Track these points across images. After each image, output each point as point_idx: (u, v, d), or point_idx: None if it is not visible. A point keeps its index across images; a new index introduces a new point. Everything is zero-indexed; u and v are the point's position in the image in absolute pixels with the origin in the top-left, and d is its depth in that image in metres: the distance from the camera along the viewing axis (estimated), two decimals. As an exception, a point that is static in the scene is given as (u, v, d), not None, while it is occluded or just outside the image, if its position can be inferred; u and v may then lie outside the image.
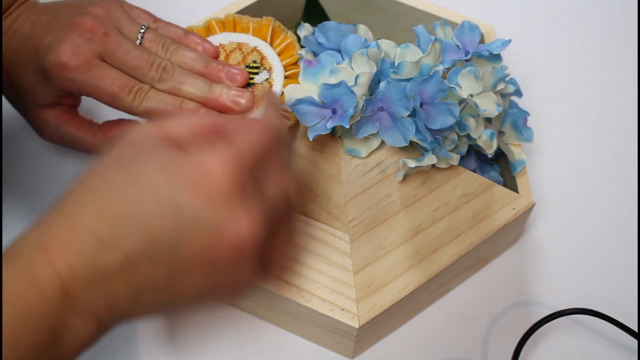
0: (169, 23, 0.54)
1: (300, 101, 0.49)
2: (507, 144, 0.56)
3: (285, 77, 0.55)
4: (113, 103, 0.50)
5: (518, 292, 0.58)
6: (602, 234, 0.62)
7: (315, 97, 0.50)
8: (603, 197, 0.64)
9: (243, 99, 0.52)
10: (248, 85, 0.54)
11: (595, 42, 0.75)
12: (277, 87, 0.54)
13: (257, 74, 0.54)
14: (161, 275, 0.38)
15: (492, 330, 0.56)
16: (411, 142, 0.50)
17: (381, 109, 0.50)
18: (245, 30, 0.56)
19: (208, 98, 0.51)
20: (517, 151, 0.56)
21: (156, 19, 0.54)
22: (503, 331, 0.56)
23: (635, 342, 0.55)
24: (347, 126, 0.48)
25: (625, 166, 0.66)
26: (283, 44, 0.56)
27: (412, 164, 0.50)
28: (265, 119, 0.42)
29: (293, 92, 0.51)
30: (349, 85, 0.48)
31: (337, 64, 0.51)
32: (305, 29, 0.56)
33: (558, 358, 0.55)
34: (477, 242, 0.52)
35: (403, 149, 0.52)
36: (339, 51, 0.54)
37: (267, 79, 0.54)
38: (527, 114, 0.56)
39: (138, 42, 0.51)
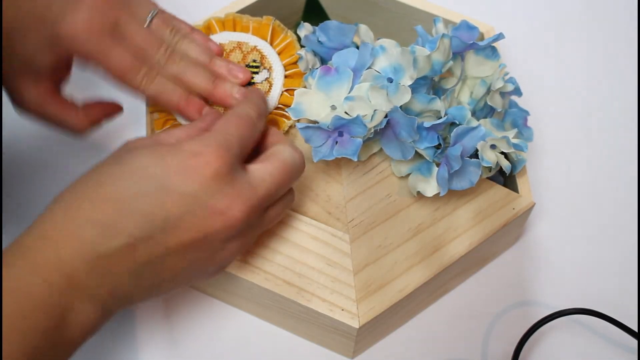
0: (174, 16, 0.54)
1: (308, 127, 0.48)
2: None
3: (285, 76, 0.55)
4: (121, 79, 0.50)
5: (518, 292, 0.58)
6: (602, 234, 0.61)
7: (325, 106, 0.49)
8: (603, 197, 0.64)
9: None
10: (248, 84, 0.54)
11: (596, 41, 0.74)
12: (276, 86, 0.54)
13: (257, 73, 0.54)
14: (160, 256, 0.40)
15: (492, 330, 0.56)
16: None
17: (387, 125, 0.50)
18: (245, 30, 0.56)
19: (212, 92, 0.51)
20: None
21: (163, 10, 0.54)
22: (503, 331, 0.56)
23: (635, 342, 0.55)
24: (355, 159, 0.48)
25: (625, 166, 0.65)
26: (283, 44, 0.56)
27: (428, 191, 0.50)
28: (241, 109, 0.46)
29: (302, 97, 0.50)
30: (363, 118, 0.47)
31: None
32: (305, 29, 0.55)
33: (558, 358, 0.55)
34: (477, 242, 0.52)
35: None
36: (341, 49, 0.53)
37: (267, 79, 0.54)
38: (527, 113, 0.56)
39: (146, 24, 0.51)
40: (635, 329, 0.55)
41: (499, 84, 0.51)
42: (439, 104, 0.50)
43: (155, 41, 0.50)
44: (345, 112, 0.48)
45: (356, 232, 0.51)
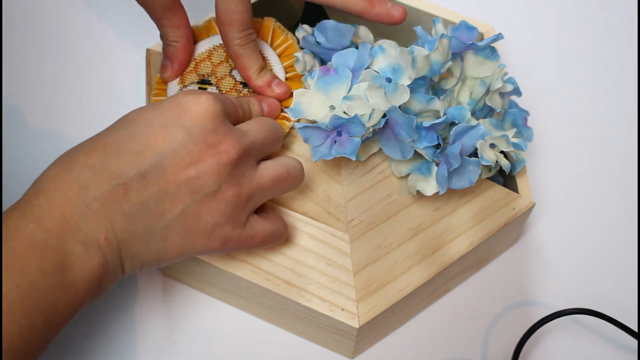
0: None
1: (306, 126, 0.48)
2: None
3: (286, 78, 0.55)
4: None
5: (518, 292, 0.58)
6: (602, 234, 0.62)
7: (324, 106, 0.49)
8: (603, 197, 0.64)
9: (283, 87, 0.53)
10: (246, 86, 0.54)
11: (595, 41, 0.75)
12: None
13: None
14: (152, 196, 0.40)
15: (492, 330, 0.56)
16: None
17: (386, 125, 0.50)
18: None
19: (255, 80, 0.52)
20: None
21: None
22: (503, 331, 0.56)
23: (635, 342, 0.55)
24: (354, 159, 0.48)
25: (625, 165, 0.66)
26: (283, 45, 0.56)
27: (428, 191, 0.50)
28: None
29: (301, 97, 0.50)
30: (362, 118, 0.47)
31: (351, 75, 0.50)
32: (303, 30, 0.55)
33: (558, 358, 0.55)
34: (477, 242, 0.52)
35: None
36: (341, 49, 0.53)
37: None
38: (526, 113, 0.56)
39: None
40: (635, 329, 0.55)
41: (498, 84, 0.51)
42: (438, 104, 0.50)
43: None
44: (344, 112, 0.48)
45: (356, 232, 0.51)
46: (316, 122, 0.48)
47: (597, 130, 0.68)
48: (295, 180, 0.47)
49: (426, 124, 0.48)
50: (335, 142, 0.48)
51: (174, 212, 0.41)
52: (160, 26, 0.52)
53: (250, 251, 0.50)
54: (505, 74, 0.53)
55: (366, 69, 0.49)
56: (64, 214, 0.38)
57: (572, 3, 0.77)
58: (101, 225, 0.39)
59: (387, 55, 0.50)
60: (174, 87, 0.55)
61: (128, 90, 0.67)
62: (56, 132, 0.64)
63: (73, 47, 0.70)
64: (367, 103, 0.48)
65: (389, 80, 0.49)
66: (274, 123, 0.48)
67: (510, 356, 0.53)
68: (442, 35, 0.49)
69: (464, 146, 0.48)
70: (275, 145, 0.48)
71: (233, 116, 0.46)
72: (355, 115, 0.46)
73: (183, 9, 0.52)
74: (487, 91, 0.52)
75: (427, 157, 0.50)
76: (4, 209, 0.59)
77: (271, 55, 0.55)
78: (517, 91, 0.54)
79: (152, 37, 0.59)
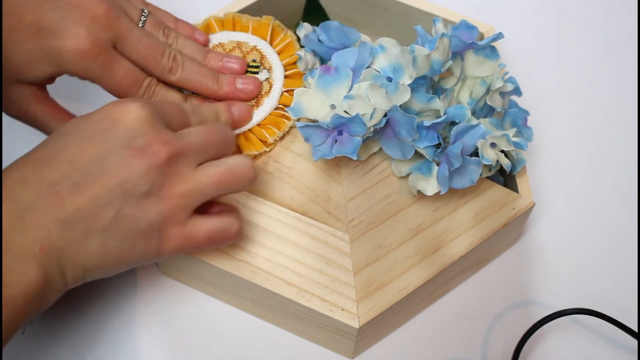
0: (158, 8, 0.53)
1: (307, 125, 0.47)
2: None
3: (286, 76, 0.54)
4: (122, 96, 0.50)
5: (518, 292, 0.58)
6: (602, 234, 0.61)
7: (325, 106, 0.49)
8: (603, 197, 0.64)
9: (250, 85, 0.53)
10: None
11: (596, 41, 0.75)
12: (277, 86, 0.54)
13: (257, 73, 0.54)
14: (85, 202, 0.40)
15: (492, 330, 0.56)
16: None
17: (386, 124, 0.50)
18: (244, 29, 0.56)
19: (218, 93, 0.52)
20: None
21: (146, 3, 0.53)
22: (503, 331, 0.56)
23: (635, 342, 0.55)
24: (355, 158, 0.48)
25: (625, 165, 0.66)
26: (283, 43, 0.56)
27: (429, 190, 0.50)
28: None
29: (302, 96, 0.50)
30: (363, 117, 0.47)
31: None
32: (304, 28, 0.55)
33: (558, 358, 0.55)
34: (477, 242, 0.52)
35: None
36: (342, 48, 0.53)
37: (267, 79, 0.54)
38: (526, 113, 0.56)
39: (140, 26, 0.50)
40: (635, 329, 0.55)
41: (498, 84, 0.51)
42: (438, 103, 0.49)
43: (158, 48, 0.50)
44: (345, 111, 0.48)
45: (356, 232, 0.50)
46: (317, 121, 0.48)
47: (597, 129, 0.68)
48: (242, 179, 0.45)
49: (427, 123, 0.48)
50: (336, 141, 0.48)
51: (108, 217, 0.41)
52: (47, 129, 0.51)
53: (247, 250, 0.50)
54: (506, 73, 0.53)
55: (367, 68, 0.49)
56: None
57: (572, 2, 0.77)
58: (36, 236, 0.39)
59: (388, 54, 0.50)
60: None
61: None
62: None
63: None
64: (368, 102, 0.48)
65: (389, 79, 0.49)
66: (220, 127, 0.47)
67: (510, 356, 0.53)
68: (443, 35, 0.49)
69: (464, 145, 0.48)
70: (224, 149, 0.46)
71: (176, 122, 0.45)
72: (357, 115, 0.46)
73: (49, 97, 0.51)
74: (488, 91, 0.52)
75: (427, 157, 0.50)
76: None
77: (270, 53, 0.55)
78: (517, 91, 0.54)
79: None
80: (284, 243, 0.50)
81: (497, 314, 0.57)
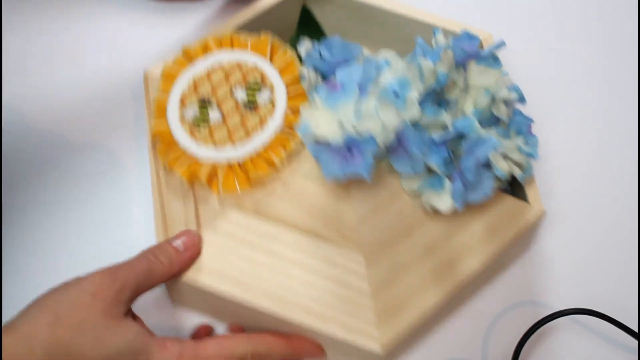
0: None
1: (318, 146, 0.47)
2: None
3: (288, 95, 0.54)
4: None
5: (518, 292, 0.58)
6: (602, 234, 0.62)
7: (332, 123, 0.48)
8: (603, 198, 0.64)
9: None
10: (250, 104, 0.53)
11: (597, 46, 0.74)
12: (280, 106, 0.53)
13: (258, 92, 0.54)
14: None
15: (492, 330, 0.56)
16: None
17: (396, 140, 0.49)
18: (243, 47, 0.56)
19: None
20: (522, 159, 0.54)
21: None
22: (503, 331, 0.56)
23: (635, 342, 0.56)
24: (369, 179, 0.47)
25: (624, 167, 0.66)
26: (283, 61, 0.55)
27: (443, 206, 0.49)
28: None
29: (309, 117, 0.49)
30: (374, 135, 0.46)
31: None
32: (305, 45, 0.54)
33: (558, 358, 0.55)
34: (492, 255, 0.51)
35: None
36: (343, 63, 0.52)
37: (269, 99, 0.53)
38: (531, 120, 0.55)
39: None
40: (635, 329, 0.55)
41: (503, 93, 0.50)
42: (445, 116, 0.49)
43: None
44: (353, 128, 0.47)
45: (371, 253, 0.50)
46: (326, 141, 0.47)
47: (602, 134, 0.67)
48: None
49: (437, 137, 0.48)
50: (346, 160, 0.47)
51: None
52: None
53: (259, 276, 0.49)
54: (509, 82, 0.53)
55: (373, 83, 0.49)
56: None
57: (573, 8, 0.76)
58: None
59: (394, 69, 0.49)
60: (174, 110, 0.54)
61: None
62: (57, 132, 0.63)
63: (74, 51, 0.69)
64: (378, 119, 0.47)
65: (396, 94, 0.48)
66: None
67: (511, 356, 0.53)
68: (447, 46, 0.48)
69: (477, 158, 0.47)
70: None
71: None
72: (369, 133, 0.45)
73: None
74: (493, 100, 0.52)
75: (438, 172, 0.49)
76: (4, 209, 0.59)
77: (271, 72, 0.54)
78: (521, 99, 0.54)
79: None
80: (298, 268, 0.49)
81: (497, 314, 0.57)
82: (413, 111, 0.47)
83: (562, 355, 0.56)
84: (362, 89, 0.48)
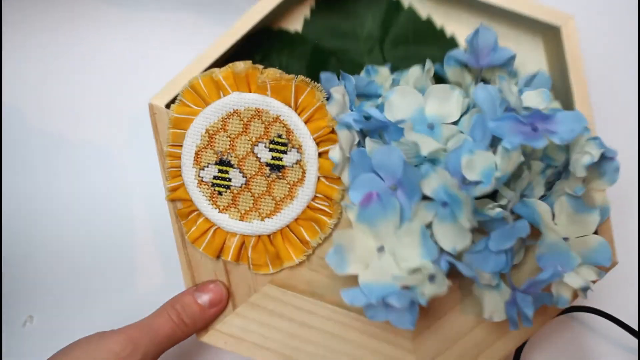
0: None
1: (354, 292, 0.40)
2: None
3: (320, 155, 0.46)
4: None
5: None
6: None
7: (370, 249, 0.41)
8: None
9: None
10: (276, 168, 0.46)
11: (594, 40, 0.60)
12: (311, 171, 0.46)
13: (284, 152, 0.46)
14: None
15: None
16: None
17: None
18: (262, 91, 0.46)
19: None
20: (600, 197, 0.45)
21: None
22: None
23: (635, 341, 0.56)
24: (412, 329, 0.42)
25: (625, 168, 0.58)
26: (310, 109, 0.45)
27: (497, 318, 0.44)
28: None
29: (342, 240, 0.41)
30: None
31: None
32: (336, 101, 0.44)
33: (558, 357, 0.56)
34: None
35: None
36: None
37: (298, 161, 0.46)
38: (614, 153, 0.43)
39: None
40: (636, 327, 0.55)
41: (586, 159, 0.41)
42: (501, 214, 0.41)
43: None
44: (394, 257, 0.41)
45: (417, 325, 0.48)
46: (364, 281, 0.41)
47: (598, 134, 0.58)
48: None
49: (493, 247, 0.41)
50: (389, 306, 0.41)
51: None
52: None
53: (306, 352, 0.49)
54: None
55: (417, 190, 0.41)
56: None
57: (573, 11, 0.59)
58: None
59: (441, 174, 0.40)
60: (189, 170, 0.47)
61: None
62: (57, 132, 0.59)
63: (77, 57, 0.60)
64: (429, 247, 0.40)
65: (444, 204, 0.40)
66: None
67: (512, 353, 0.53)
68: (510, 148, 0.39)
69: (536, 290, 0.42)
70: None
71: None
72: (416, 288, 0.40)
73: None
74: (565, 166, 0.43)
75: (490, 283, 0.43)
76: (4, 209, 0.56)
77: (298, 125, 0.45)
78: (609, 151, 0.42)
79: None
80: (343, 344, 0.48)
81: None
82: (465, 240, 0.40)
83: (562, 354, 0.56)
84: (405, 192, 0.41)
